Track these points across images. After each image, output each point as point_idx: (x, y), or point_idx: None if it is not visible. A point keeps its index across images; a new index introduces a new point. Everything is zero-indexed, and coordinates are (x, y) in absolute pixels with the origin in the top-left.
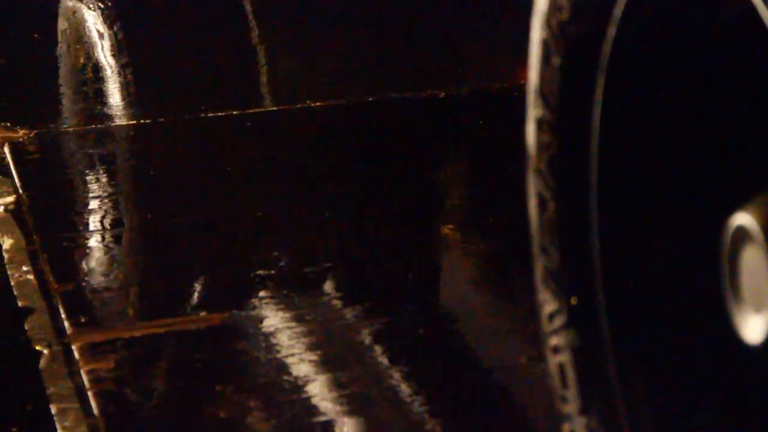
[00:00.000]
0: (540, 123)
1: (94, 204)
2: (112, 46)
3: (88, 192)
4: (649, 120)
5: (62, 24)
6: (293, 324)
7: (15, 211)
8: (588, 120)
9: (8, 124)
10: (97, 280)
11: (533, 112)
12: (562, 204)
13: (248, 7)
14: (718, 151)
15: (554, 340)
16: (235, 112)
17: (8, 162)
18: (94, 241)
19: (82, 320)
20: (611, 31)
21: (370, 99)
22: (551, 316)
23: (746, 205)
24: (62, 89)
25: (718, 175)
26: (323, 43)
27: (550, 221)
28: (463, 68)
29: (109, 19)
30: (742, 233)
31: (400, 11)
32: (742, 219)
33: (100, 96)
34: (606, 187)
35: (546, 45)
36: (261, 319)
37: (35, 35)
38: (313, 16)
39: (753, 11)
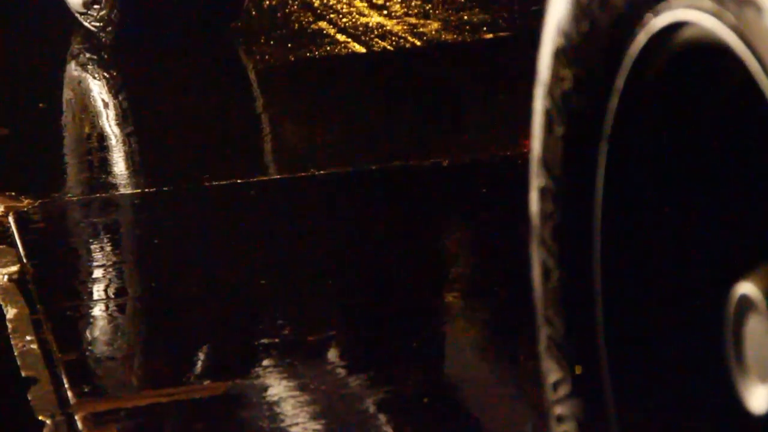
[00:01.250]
0: (543, 192)
1: (98, 273)
2: (116, 115)
3: (92, 261)
4: (652, 189)
5: (67, 93)
6: (297, 392)
7: (19, 281)
8: (591, 189)
9: (13, 194)
10: (100, 349)
11: (536, 181)
12: (566, 273)
13: (252, 76)
14: (722, 219)
15: (558, 410)
16: (239, 181)
17: (12, 231)
18: (97, 310)
19: (86, 390)
20: (613, 101)
21: (374, 167)
22: (555, 385)
23: (750, 274)
24: (67, 158)
25: (722, 244)
26: (326, 111)
27: (554, 290)
28: (466, 137)
29: (113, 88)
30: (745, 302)
31: (404, 80)
32: (746, 288)
33: (105, 165)
34: (610, 256)
35: (549, 114)
36: (265, 388)
37: (40, 104)
38: (316, 84)
39: (754, 81)
